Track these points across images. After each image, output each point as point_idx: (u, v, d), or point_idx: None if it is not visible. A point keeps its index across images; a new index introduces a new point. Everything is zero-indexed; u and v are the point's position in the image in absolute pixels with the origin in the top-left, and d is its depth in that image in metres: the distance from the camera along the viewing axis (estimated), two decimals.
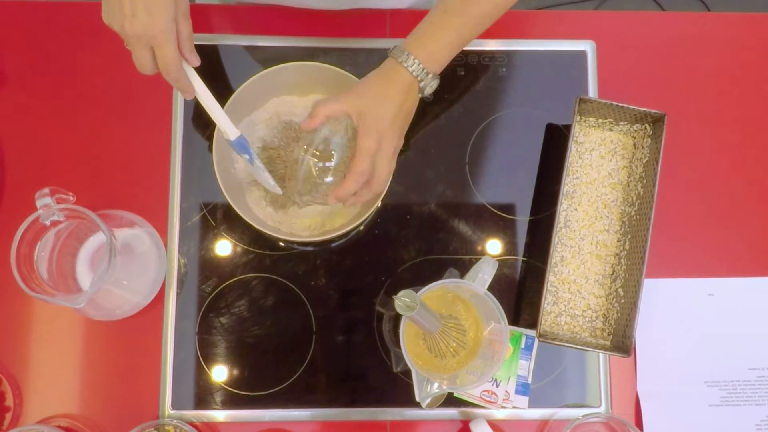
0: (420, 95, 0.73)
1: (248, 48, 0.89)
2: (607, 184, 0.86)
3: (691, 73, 0.92)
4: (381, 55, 0.88)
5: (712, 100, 0.91)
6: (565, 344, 0.78)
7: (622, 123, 0.86)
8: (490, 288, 0.70)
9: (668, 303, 0.85)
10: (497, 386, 0.80)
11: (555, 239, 0.80)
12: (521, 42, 0.91)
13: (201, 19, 0.91)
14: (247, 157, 0.75)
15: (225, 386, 0.81)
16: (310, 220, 0.82)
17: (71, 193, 0.72)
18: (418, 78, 0.70)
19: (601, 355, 0.83)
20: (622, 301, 0.81)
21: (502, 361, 0.69)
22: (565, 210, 0.85)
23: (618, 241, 0.84)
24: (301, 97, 0.85)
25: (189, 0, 0.68)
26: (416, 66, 0.69)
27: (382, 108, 0.69)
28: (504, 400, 0.80)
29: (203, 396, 0.81)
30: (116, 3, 0.62)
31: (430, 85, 0.71)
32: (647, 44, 0.92)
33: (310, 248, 0.85)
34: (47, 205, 0.69)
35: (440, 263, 0.85)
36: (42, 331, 0.82)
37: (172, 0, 0.63)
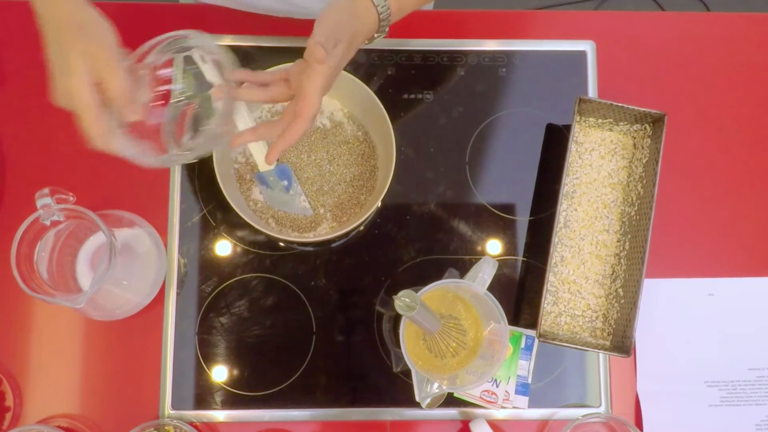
0: (368, 42, 0.69)
1: (248, 48, 0.89)
2: (607, 184, 0.86)
3: (691, 73, 0.92)
4: (380, 55, 0.89)
5: (712, 100, 0.91)
6: (565, 344, 0.78)
7: (622, 123, 0.86)
8: (490, 288, 0.70)
9: (668, 303, 0.85)
10: (497, 386, 0.80)
11: (555, 239, 0.80)
12: (521, 42, 0.91)
13: (200, 19, 0.91)
14: (285, 183, 0.75)
15: (225, 386, 0.81)
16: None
17: (71, 193, 0.72)
18: (381, 16, 0.66)
19: (601, 355, 0.83)
20: (622, 301, 0.81)
21: (502, 361, 0.69)
22: (565, 210, 0.85)
23: (618, 241, 0.84)
24: None
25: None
26: (383, 6, 0.66)
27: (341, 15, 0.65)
28: (504, 400, 0.80)
29: (203, 396, 0.81)
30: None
31: (382, 33, 0.68)
32: (647, 44, 0.92)
33: (310, 248, 0.85)
34: (47, 205, 0.69)
35: (440, 263, 0.85)
36: (42, 331, 0.82)
37: (80, 59, 0.57)
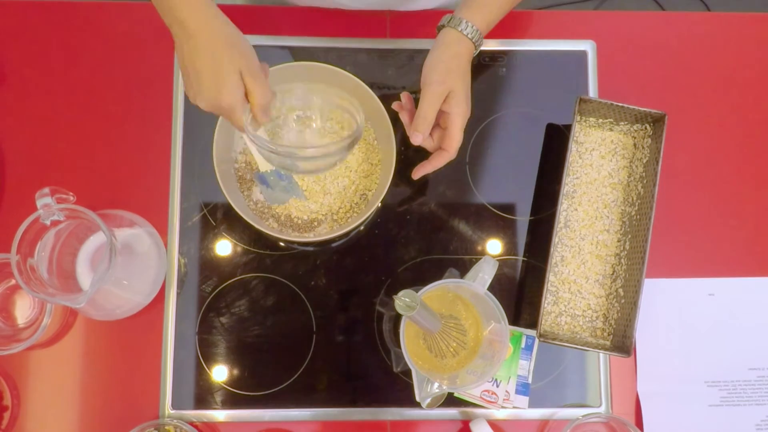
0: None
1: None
2: (608, 184, 0.86)
3: (691, 73, 0.92)
4: (381, 55, 0.89)
5: (712, 100, 0.91)
6: (565, 344, 0.78)
7: (622, 123, 0.86)
8: (490, 288, 0.70)
9: (668, 303, 0.85)
10: (497, 386, 0.80)
11: (555, 239, 0.80)
12: (521, 42, 0.91)
13: None
14: (285, 183, 0.78)
15: (225, 386, 0.81)
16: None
17: (71, 193, 0.72)
18: (476, 43, 0.76)
19: (601, 355, 0.83)
20: (622, 301, 0.81)
21: (502, 361, 0.69)
22: (566, 210, 0.85)
23: (618, 241, 0.84)
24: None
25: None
26: (472, 30, 0.75)
27: (464, 82, 0.75)
28: (504, 400, 0.80)
29: (203, 396, 0.81)
30: (187, 80, 0.67)
31: (479, 48, 0.77)
32: (647, 44, 0.92)
33: (310, 248, 0.85)
34: (47, 205, 0.69)
35: (440, 263, 0.85)
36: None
37: (237, 75, 0.66)
